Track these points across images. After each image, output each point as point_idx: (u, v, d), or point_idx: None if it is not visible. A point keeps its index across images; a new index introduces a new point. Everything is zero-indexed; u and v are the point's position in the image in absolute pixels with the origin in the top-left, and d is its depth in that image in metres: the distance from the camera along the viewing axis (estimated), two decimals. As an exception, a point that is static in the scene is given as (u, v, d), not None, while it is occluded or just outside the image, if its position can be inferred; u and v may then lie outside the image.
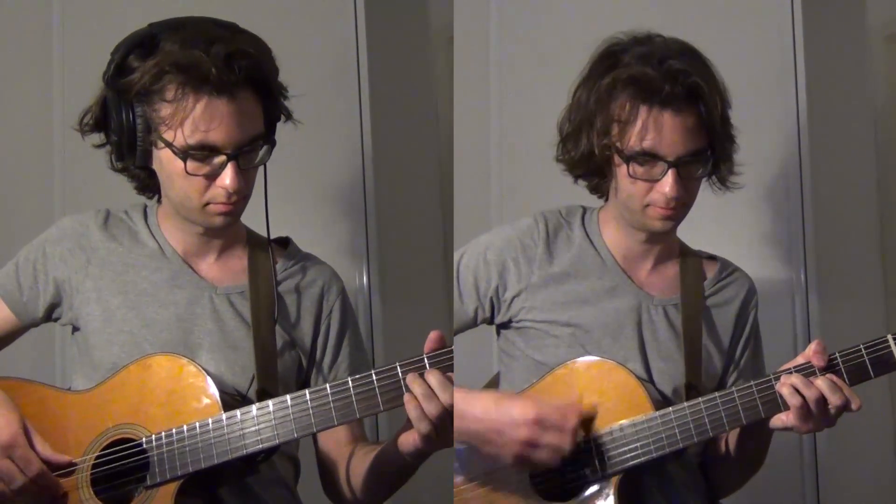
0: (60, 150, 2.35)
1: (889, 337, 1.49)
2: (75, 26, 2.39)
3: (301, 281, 1.65)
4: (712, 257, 1.74)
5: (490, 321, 1.72)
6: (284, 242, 1.68)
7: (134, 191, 1.63)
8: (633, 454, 1.53)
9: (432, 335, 1.44)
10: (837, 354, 1.50)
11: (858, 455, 2.28)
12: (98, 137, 1.55)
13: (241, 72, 1.44)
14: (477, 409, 1.52)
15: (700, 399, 1.53)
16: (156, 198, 1.64)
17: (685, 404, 1.54)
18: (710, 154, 1.57)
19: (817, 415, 1.47)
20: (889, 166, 2.47)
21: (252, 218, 1.64)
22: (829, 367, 1.49)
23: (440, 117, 2.53)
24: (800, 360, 1.51)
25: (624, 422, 1.54)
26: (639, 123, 1.52)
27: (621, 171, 1.57)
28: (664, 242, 1.68)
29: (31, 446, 1.45)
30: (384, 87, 2.43)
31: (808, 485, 2.25)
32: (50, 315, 1.63)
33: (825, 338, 2.19)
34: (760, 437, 1.59)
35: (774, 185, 2.29)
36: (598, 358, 1.59)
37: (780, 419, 1.49)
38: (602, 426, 1.55)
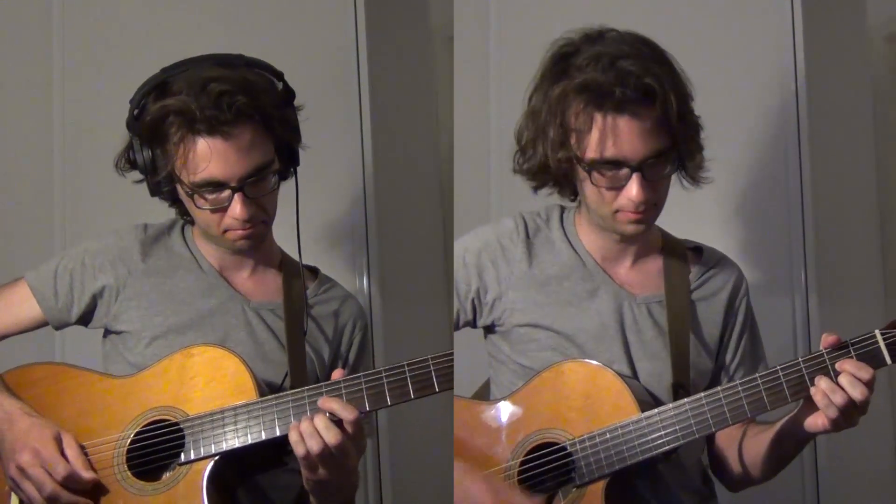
0: (60, 153, 2.36)
1: (876, 332, 1.47)
2: (76, 27, 2.40)
3: (329, 308, 1.72)
4: (697, 248, 1.70)
5: (473, 324, 1.71)
6: (314, 270, 1.76)
7: (180, 218, 1.71)
8: (619, 457, 1.52)
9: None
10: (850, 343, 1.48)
11: (858, 455, 2.27)
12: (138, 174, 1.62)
13: (231, 109, 1.50)
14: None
15: (686, 400, 1.52)
16: None
17: (670, 406, 1.53)
18: (674, 153, 1.52)
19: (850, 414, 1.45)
20: (889, 166, 2.47)
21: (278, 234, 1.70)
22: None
23: (440, 117, 2.53)
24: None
25: (610, 425, 1.54)
26: (595, 132, 1.48)
27: (585, 181, 1.54)
28: (642, 240, 1.65)
29: (63, 455, 1.51)
30: (384, 87, 2.43)
31: (808, 485, 2.25)
32: (81, 321, 1.69)
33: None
34: (800, 439, 1.56)
35: (774, 185, 2.29)
36: (584, 360, 1.58)
37: (816, 424, 1.47)
38: (589, 429, 1.55)
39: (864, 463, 2.32)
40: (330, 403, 1.48)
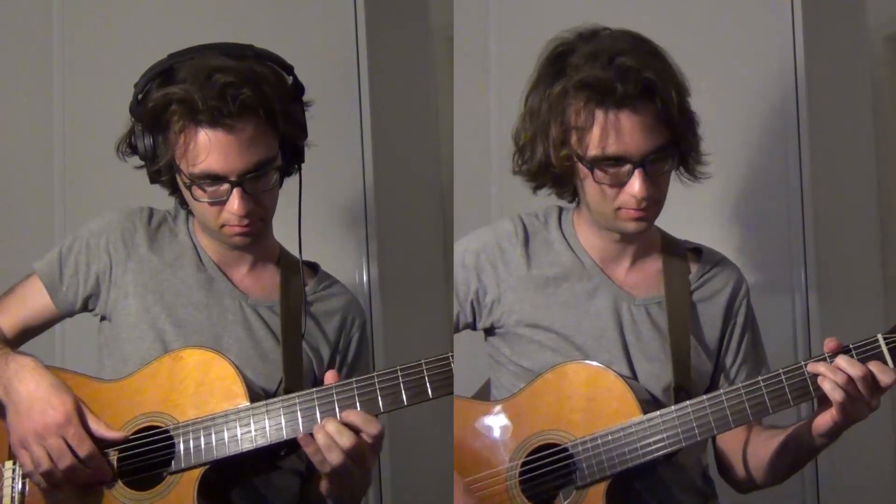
0: (60, 151, 2.36)
1: (879, 336, 1.47)
2: (76, 19, 2.40)
3: (327, 306, 1.70)
4: (696, 249, 1.70)
5: (472, 326, 1.71)
6: (314, 266, 1.73)
7: (182, 209, 1.68)
8: (621, 458, 1.52)
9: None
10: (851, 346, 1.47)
11: (858, 455, 2.27)
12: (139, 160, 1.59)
13: (235, 102, 1.46)
14: None
15: (688, 403, 1.52)
16: None
17: (673, 408, 1.52)
18: (674, 148, 1.52)
19: (860, 400, 1.44)
20: (889, 166, 2.47)
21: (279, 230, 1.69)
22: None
23: (440, 117, 2.53)
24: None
25: (613, 427, 1.53)
26: (597, 129, 1.48)
27: (587, 179, 1.53)
28: (641, 240, 1.65)
29: (86, 428, 1.49)
30: (384, 86, 2.43)
31: (808, 485, 2.25)
32: (86, 306, 1.67)
33: (825, 337, 2.20)
34: (810, 446, 1.55)
35: (774, 185, 2.29)
36: (586, 362, 1.58)
37: (825, 420, 1.46)
38: (591, 430, 1.54)
39: (864, 463, 2.32)
40: (351, 417, 1.45)
